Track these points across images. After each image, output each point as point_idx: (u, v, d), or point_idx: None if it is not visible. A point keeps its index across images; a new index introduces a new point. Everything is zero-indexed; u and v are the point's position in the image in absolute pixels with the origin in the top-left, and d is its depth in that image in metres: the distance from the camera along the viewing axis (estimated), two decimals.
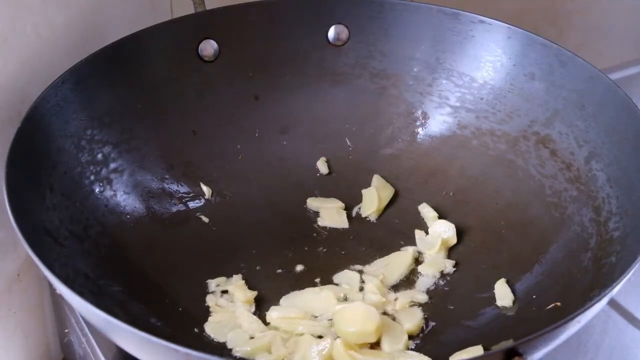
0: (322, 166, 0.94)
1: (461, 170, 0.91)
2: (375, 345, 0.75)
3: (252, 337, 0.76)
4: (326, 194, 0.92)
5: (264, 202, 0.91)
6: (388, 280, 0.83)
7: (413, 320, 0.78)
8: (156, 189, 0.88)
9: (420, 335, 0.77)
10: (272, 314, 0.78)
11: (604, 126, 0.82)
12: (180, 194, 0.89)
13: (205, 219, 0.88)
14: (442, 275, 0.83)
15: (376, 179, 0.92)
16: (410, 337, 0.77)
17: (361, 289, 0.81)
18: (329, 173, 0.94)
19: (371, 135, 0.94)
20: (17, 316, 0.90)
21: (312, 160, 0.94)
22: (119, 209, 0.84)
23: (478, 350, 0.72)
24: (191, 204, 0.89)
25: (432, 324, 0.78)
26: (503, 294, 0.79)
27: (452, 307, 0.80)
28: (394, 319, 0.78)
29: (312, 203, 0.91)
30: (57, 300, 0.90)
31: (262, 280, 0.83)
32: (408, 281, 0.83)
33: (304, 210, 0.91)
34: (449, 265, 0.84)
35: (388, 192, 0.91)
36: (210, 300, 0.80)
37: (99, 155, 0.84)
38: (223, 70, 0.92)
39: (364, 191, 0.91)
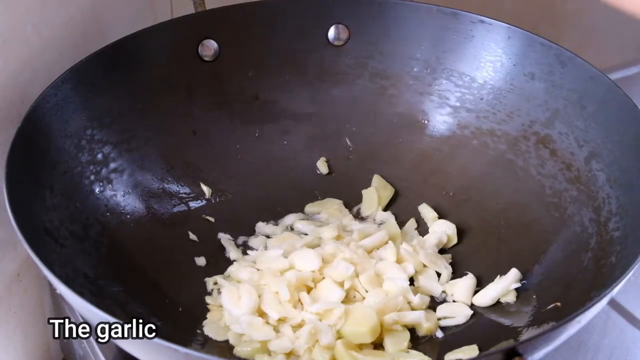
0: (322, 166, 0.94)
1: (461, 170, 0.91)
2: (379, 346, 0.75)
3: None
4: (326, 194, 0.92)
5: (264, 202, 0.91)
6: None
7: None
8: (156, 188, 0.88)
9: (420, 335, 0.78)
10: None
11: (604, 126, 0.82)
12: (180, 194, 0.89)
13: (211, 219, 0.88)
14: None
15: (376, 179, 0.92)
16: (413, 337, 0.77)
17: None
18: (329, 173, 0.94)
19: (371, 135, 0.94)
20: (17, 316, 0.90)
21: (312, 160, 0.94)
22: (119, 209, 0.84)
23: (473, 349, 0.73)
24: (191, 204, 0.89)
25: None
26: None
27: None
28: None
29: (311, 209, 0.91)
30: (57, 300, 0.90)
31: None
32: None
33: (304, 210, 0.91)
34: (443, 267, 0.84)
35: (388, 192, 0.92)
36: (209, 299, 0.80)
37: (99, 155, 0.84)
38: (223, 70, 0.92)
39: (364, 191, 0.91)
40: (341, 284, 0.79)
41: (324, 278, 0.80)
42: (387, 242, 0.84)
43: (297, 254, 0.81)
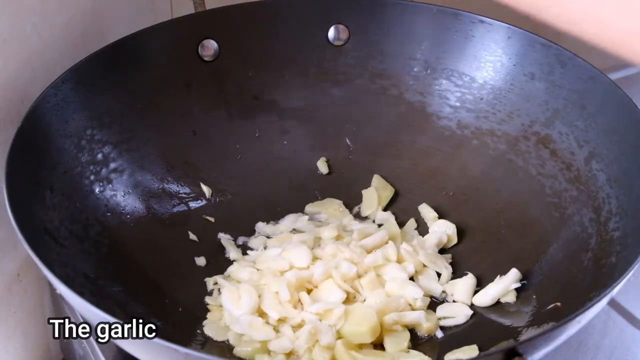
0: (322, 166, 0.94)
1: (461, 170, 0.91)
2: (379, 346, 0.75)
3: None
4: (326, 194, 0.92)
5: (264, 202, 0.91)
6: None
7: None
8: (156, 189, 0.88)
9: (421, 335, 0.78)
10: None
11: (604, 126, 0.82)
12: (180, 194, 0.89)
13: (211, 219, 0.88)
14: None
15: (376, 179, 0.92)
16: (413, 337, 0.77)
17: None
18: (329, 173, 0.94)
19: (371, 135, 0.94)
20: (17, 316, 0.90)
21: (312, 160, 0.94)
22: (119, 209, 0.84)
23: (473, 349, 0.73)
24: (191, 204, 0.89)
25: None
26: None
27: None
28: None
29: (311, 209, 0.91)
30: (57, 300, 0.90)
31: None
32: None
33: (304, 210, 0.91)
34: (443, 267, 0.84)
35: (388, 192, 0.92)
36: (209, 299, 0.80)
37: (99, 155, 0.84)
38: (223, 70, 0.92)
39: (364, 191, 0.91)
40: (342, 285, 0.79)
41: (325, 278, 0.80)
42: (387, 242, 0.84)
43: (289, 250, 0.81)
